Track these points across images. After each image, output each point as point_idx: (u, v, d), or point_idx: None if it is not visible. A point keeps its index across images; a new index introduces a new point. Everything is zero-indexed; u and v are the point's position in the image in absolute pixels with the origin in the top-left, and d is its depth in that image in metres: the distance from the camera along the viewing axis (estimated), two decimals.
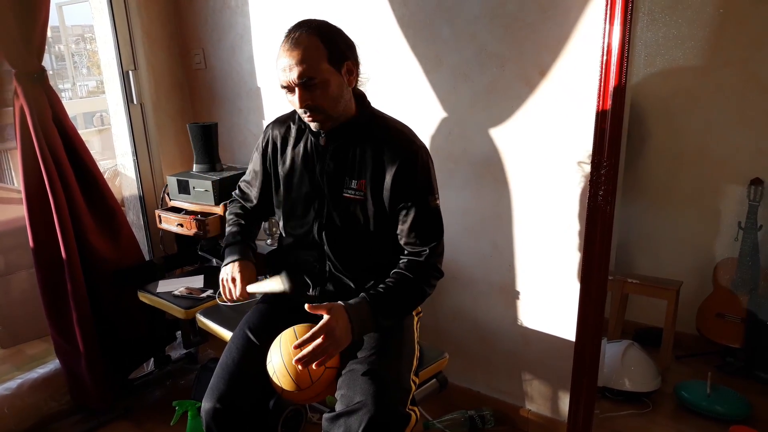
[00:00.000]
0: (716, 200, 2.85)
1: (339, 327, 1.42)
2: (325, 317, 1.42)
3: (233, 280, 1.70)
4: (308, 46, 1.46)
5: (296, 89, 1.48)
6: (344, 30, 1.57)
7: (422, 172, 1.57)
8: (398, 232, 1.60)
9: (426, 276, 1.59)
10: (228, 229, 1.85)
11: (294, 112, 1.70)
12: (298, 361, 1.39)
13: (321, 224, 1.64)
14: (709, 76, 2.74)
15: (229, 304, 2.26)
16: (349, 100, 1.58)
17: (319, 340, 1.39)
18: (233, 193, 1.94)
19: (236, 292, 1.69)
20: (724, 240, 2.82)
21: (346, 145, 1.60)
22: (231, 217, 1.88)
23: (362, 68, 1.61)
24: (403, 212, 1.57)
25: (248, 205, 1.88)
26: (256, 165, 1.79)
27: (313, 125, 1.56)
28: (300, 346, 1.40)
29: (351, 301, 1.49)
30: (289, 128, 1.70)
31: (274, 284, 1.63)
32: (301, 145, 1.66)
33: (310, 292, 1.72)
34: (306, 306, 1.44)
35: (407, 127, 1.64)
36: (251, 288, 1.68)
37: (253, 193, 1.84)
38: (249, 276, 1.71)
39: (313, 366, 1.41)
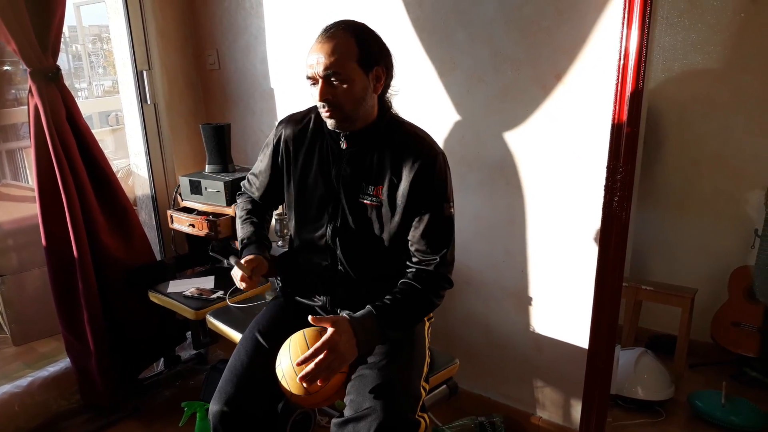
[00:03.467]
0: (733, 207, 2.82)
1: (343, 341, 1.40)
2: (329, 331, 1.40)
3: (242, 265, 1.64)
4: (341, 42, 1.46)
5: (319, 82, 1.47)
6: None
7: (439, 179, 1.55)
8: (409, 237, 1.58)
9: (435, 286, 1.57)
10: (242, 226, 1.83)
11: (309, 111, 1.69)
12: (302, 378, 1.37)
13: (335, 228, 1.62)
14: (728, 81, 2.71)
15: (239, 305, 2.27)
16: (371, 106, 1.55)
17: (321, 356, 1.37)
18: (242, 184, 1.92)
19: (246, 271, 1.63)
20: (741, 247, 2.79)
21: (364, 150, 1.58)
22: (243, 213, 1.86)
23: (394, 81, 1.60)
24: (417, 218, 1.55)
25: (255, 197, 1.87)
26: (266, 159, 1.77)
27: (329, 122, 1.53)
28: (303, 362, 1.39)
29: (356, 314, 1.47)
30: (304, 128, 1.67)
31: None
32: (317, 146, 1.64)
33: (320, 298, 1.71)
34: (309, 318, 1.42)
35: (427, 134, 1.61)
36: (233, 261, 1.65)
37: (263, 188, 1.82)
38: (257, 263, 1.66)
39: (318, 383, 1.40)
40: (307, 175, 1.66)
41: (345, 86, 1.47)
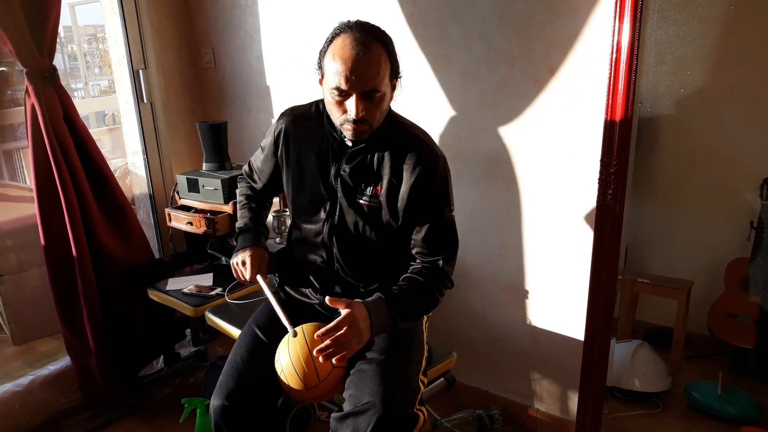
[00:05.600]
0: (728, 200, 2.83)
1: (361, 318, 1.39)
2: (346, 310, 1.38)
3: (243, 263, 1.70)
4: (379, 58, 1.40)
5: (353, 97, 1.40)
6: None
7: (441, 183, 1.54)
8: (412, 242, 1.57)
9: (437, 282, 1.56)
10: (240, 212, 1.85)
11: (311, 106, 1.67)
12: (320, 351, 1.35)
13: (332, 226, 1.61)
14: (721, 74, 2.72)
15: (238, 302, 2.28)
16: None
17: (342, 331, 1.35)
18: (243, 169, 1.92)
19: (247, 274, 1.69)
20: (736, 240, 2.80)
21: (365, 150, 1.56)
22: (242, 199, 1.88)
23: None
24: (419, 222, 1.54)
25: (255, 185, 1.88)
26: (266, 150, 1.76)
27: (351, 134, 1.48)
28: (323, 335, 1.36)
29: (369, 299, 1.46)
30: (306, 123, 1.65)
31: (280, 311, 1.59)
32: (318, 143, 1.61)
33: (317, 294, 1.72)
34: (327, 299, 1.40)
35: (428, 135, 1.59)
36: (260, 280, 1.70)
37: (262, 177, 1.83)
38: (260, 261, 1.71)
39: (333, 361, 1.38)
40: (306, 171, 1.65)
41: (379, 102, 1.44)
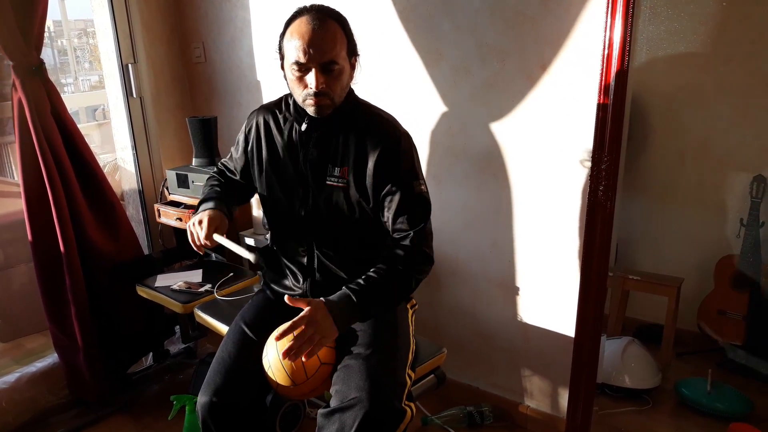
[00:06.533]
0: (718, 196, 2.84)
1: (319, 315, 1.39)
2: (305, 309, 1.39)
3: (200, 222, 1.65)
4: (335, 32, 1.47)
5: (313, 70, 1.46)
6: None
7: (405, 158, 1.56)
8: (384, 219, 1.59)
9: (413, 261, 1.54)
10: (203, 190, 1.84)
11: (280, 100, 1.70)
12: (285, 353, 1.36)
13: (307, 212, 1.64)
14: (712, 71, 2.72)
15: (228, 299, 2.27)
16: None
17: (300, 329, 1.37)
18: (212, 172, 1.91)
19: (202, 235, 1.63)
20: (726, 236, 2.80)
21: (329, 132, 1.59)
22: (207, 185, 1.86)
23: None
24: (388, 198, 1.56)
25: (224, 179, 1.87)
26: (239, 149, 1.79)
27: (313, 109, 1.52)
28: (281, 337, 1.38)
29: (331, 296, 1.46)
30: (274, 116, 1.69)
31: (242, 250, 1.62)
32: (285, 133, 1.65)
33: (300, 284, 1.71)
34: (286, 298, 1.42)
35: (390, 115, 1.64)
36: (217, 237, 1.64)
37: (235, 174, 1.84)
38: (217, 224, 1.66)
39: (303, 358, 1.39)
40: (277, 162, 1.67)
41: (338, 75, 1.49)
